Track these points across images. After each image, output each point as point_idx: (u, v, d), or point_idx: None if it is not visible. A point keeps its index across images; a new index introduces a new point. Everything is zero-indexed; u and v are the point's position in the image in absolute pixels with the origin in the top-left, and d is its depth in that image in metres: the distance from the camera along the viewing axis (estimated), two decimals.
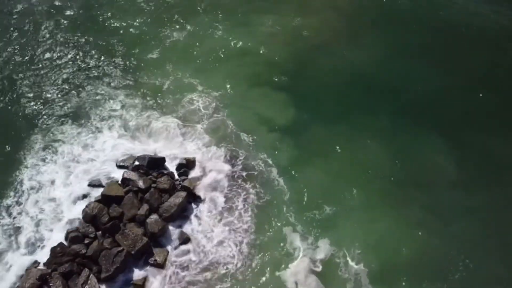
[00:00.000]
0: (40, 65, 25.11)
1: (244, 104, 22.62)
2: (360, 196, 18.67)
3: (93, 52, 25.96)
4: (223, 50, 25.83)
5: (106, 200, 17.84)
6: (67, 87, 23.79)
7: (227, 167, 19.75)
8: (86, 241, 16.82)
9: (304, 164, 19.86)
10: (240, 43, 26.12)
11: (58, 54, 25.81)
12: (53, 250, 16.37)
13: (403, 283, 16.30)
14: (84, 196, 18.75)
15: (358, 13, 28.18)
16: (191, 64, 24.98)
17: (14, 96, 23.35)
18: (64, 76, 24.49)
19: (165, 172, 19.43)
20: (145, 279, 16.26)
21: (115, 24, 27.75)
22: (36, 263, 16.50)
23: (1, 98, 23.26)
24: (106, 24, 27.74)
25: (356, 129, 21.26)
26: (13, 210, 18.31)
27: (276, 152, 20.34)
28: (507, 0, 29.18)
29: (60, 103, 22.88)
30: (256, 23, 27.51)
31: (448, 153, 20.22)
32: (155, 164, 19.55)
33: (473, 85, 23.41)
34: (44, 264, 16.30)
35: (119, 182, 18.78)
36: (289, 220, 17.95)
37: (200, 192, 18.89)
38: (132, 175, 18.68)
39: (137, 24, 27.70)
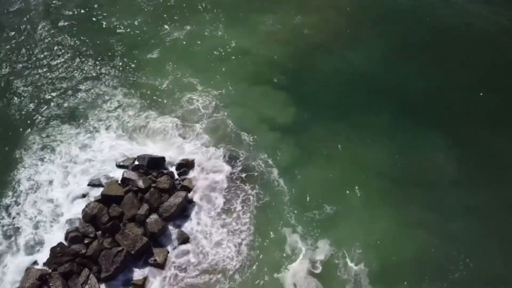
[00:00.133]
0: (38, 65, 25.03)
1: (244, 103, 22.58)
2: (360, 196, 18.67)
3: (91, 51, 25.86)
4: (223, 49, 25.79)
5: (106, 199, 17.81)
6: (64, 87, 23.72)
7: (227, 168, 19.71)
8: (86, 241, 16.80)
9: (304, 164, 19.84)
10: (240, 42, 26.07)
11: (56, 54, 25.71)
12: (53, 250, 16.34)
13: (403, 283, 16.29)
14: (83, 196, 18.70)
15: (358, 12, 28.17)
16: (191, 64, 24.92)
17: (12, 95, 23.28)
18: (62, 75, 24.40)
19: (165, 171, 19.40)
20: (145, 279, 16.24)
21: (114, 23, 27.68)
22: (35, 263, 16.47)
23: None
24: (105, 24, 27.66)
25: (356, 129, 21.26)
26: (12, 210, 18.27)
27: (276, 152, 20.32)
28: (507, 1, 29.17)
29: (58, 103, 22.80)
30: (256, 22, 27.47)
31: (448, 152, 20.22)
32: (155, 163, 19.52)
33: (473, 85, 23.42)
34: (44, 264, 16.28)
35: (119, 182, 18.75)
36: (289, 221, 17.92)
37: (200, 192, 18.87)
38: (132, 175, 18.65)
39: (137, 24, 27.63)
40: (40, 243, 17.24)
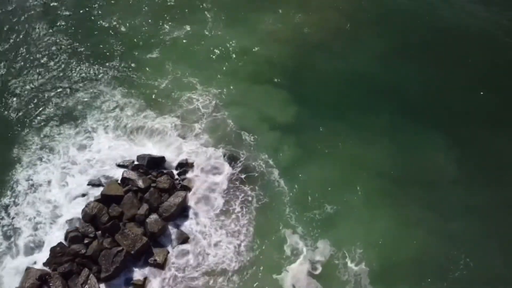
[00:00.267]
0: (35, 64, 24.88)
1: (245, 102, 22.51)
2: (360, 196, 18.66)
3: (89, 51, 25.69)
4: (223, 48, 25.72)
5: (105, 199, 17.78)
6: (63, 87, 23.58)
7: (227, 167, 19.67)
8: (85, 241, 16.78)
9: (304, 164, 19.81)
10: (241, 41, 25.98)
11: (54, 53, 25.52)
12: (52, 250, 16.32)
13: (403, 283, 16.34)
14: (83, 196, 18.66)
15: (358, 12, 28.12)
16: (191, 63, 24.83)
17: (10, 95, 23.15)
18: (60, 75, 24.25)
19: (165, 171, 19.38)
20: (145, 279, 16.23)
21: (114, 23, 27.57)
22: (35, 263, 16.44)
23: None
24: (104, 23, 27.54)
25: (357, 128, 21.24)
26: (11, 210, 18.23)
27: (277, 152, 20.27)
28: (506, 1, 29.17)
29: (56, 103, 22.68)
30: (256, 21, 27.40)
31: (448, 152, 20.22)
32: (154, 163, 19.50)
33: (473, 85, 23.40)
34: (44, 264, 16.25)
35: (119, 182, 18.72)
36: (289, 222, 17.88)
37: (200, 192, 18.84)
38: (132, 175, 18.63)
39: (136, 23, 27.53)
40: (40, 243, 17.21)
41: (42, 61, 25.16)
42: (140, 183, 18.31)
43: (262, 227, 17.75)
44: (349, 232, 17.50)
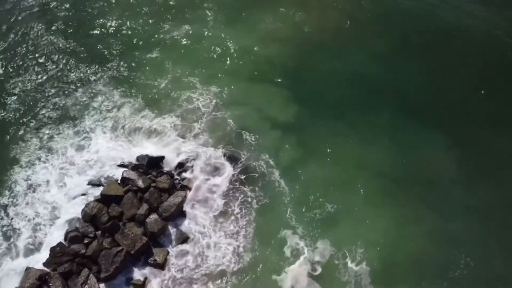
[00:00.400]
0: (33, 64, 24.82)
1: (245, 101, 22.49)
2: (361, 195, 18.65)
3: (88, 51, 25.61)
4: (223, 47, 25.68)
5: (105, 199, 17.75)
6: (61, 87, 23.51)
7: (227, 167, 19.62)
8: (85, 241, 16.75)
9: (305, 163, 19.79)
10: (241, 40, 25.95)
11: (52, 53, 25.46)
12: (52, 250, 16.27)
13: (404, 283, 16.32)
14: (83, 195, 18.63)
15: (358, 11, 28.15)
16: (191, 62, 24.80)
17: (8, 95, 23.11)
18: (58, 75, 24.19)
19: (165, 171, 19.36)
20: (145, 279, 16.21)
21: (113, 22, 27.52)
22: (35, 263, 16.38)
23: None
24: (103, 23, 27.49)
25: (357, 128, 21.23)
26: (10, 210, 18.20)
27: (277, 152, 20.23)
28: (506, 1, 29.18)
29: (55, 103, 22.64)
30: (256, 20, 27.37)
31: (449, 152, 20.21)
32: (154, 163, 19.48)
33: (473, 85, 23.41)
34: (44, 264, 16.20)
35: (119, 182, 18.69)
36: (289, 222, 17.83)
37: (200, 192, 18.80)
38: (132, 174, 18.60)
39: (135, 23, 27.48)
40: (40, 243, 17.18)
41: (40, 60, 25.10)
42: (140, 183, 18.29)
43: (262, 228, 17.71)
44: (350, 232, 17.48)
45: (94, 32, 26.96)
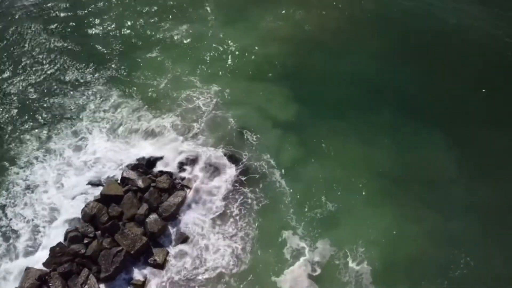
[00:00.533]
0: (32, 64, 24.73)
1: (245, 100, 22.46)
2: (361, 195, 18.66)
3: (87, 51, 25.51)
4: (224, 46, 25.65)
5: (105, 199, 17.70)
6: (59, 87, 23.44)
7: (228, 167, 19.56)
8: (85, 241, 16.71)
9: (305, 163, 19.78)
10: (241, 39, 25.92)
11: (50, 53, 25.36)
12: (52, 250, 16.22)
13: (404, 282, 16.31)
14: (83, 195, 18.59)
15: (359, 11, 28.20)
16: (191, 61, 24.77)
17: (6, 96, 23.00)
18: (57, 75, 24.10)
19: (165, 171, 19.31)
20: (145, 279, 16.17)
21: (112, 22, 27.45)
22: (35, 263, 16.33)
23: None
24: (103, 23, 27.41)
25: (357, 128, 21.25)
26: (8, 211, 18.13)
27: (279, 152, 20.21)
28: (506, 1, 29.21)
29: (52, 103, 22.56)
30: (256, 19, 27.37)
31: (449, 151, 20.24)
32: (154, 163, 19.44)
33: (473, 84, 23.45)
34: (43, 264, 16.14)
35: (118, 181, 18.65)
36: (290, 223, 17.81)
37: (200, 192, 18.76)
38: (131, 174, 18.56)
39: (135, 22, 27.42)
40: (39, 243, 17.13)
41: (37, 60, 25.00)
42: (140, 183, 18.25)
43: (262, 229, 17.67)
44: (351, 232, 17.48)
45: (93, 31, 26.87)
